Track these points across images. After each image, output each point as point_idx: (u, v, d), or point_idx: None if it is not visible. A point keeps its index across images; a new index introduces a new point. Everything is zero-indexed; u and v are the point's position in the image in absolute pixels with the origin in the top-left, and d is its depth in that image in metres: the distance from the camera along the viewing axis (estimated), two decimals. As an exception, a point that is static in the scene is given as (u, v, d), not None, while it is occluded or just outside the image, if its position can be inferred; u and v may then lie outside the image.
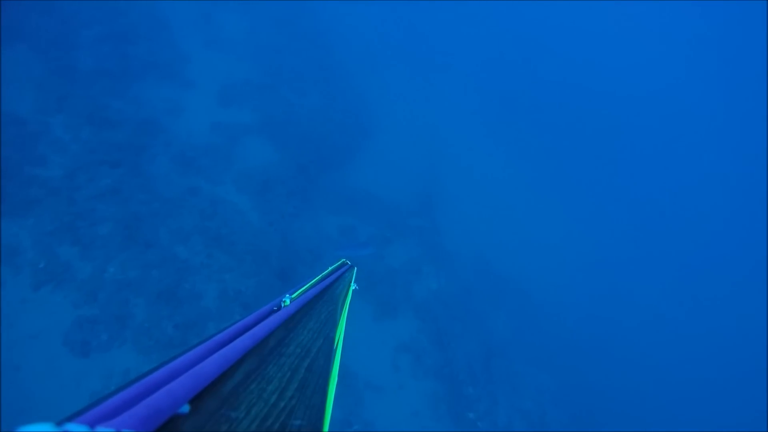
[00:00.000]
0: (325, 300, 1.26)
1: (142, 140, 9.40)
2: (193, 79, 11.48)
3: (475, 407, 9.07)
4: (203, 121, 10.88)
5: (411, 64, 20.09)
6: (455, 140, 17.83)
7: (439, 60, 22.21)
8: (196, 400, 0.57)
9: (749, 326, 23.98)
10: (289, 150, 11.37)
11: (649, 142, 33.50)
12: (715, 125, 37.94)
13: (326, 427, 0.71)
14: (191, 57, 11.89)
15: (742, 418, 16.29)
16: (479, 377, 9.70)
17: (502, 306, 12.48)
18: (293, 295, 1.11)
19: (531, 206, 18.90)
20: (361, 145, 13.41)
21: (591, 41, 35.60)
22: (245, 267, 8.84)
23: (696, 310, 22.89)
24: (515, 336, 11.85)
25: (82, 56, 9.39)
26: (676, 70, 38.71)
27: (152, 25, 11.56)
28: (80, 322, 6.32)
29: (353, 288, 1.69)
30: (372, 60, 17.78)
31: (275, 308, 1.00)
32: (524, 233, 16.88)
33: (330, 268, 1.70)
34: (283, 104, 12.45)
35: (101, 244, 7.32)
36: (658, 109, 35.81)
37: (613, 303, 18.18)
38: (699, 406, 16.00)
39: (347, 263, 1.96)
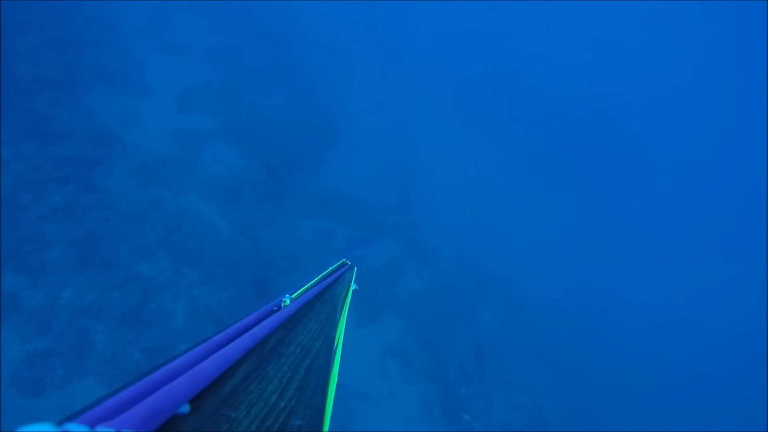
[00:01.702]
0: (324, 300, 1.26)
1: (94, 153, 8.72)
2: (149, 86, 10.82)
3: (470, 408, 8.75)
4: (162, 129, 10.26)
5: (377, 56, 19.65)
6: (428, 132, 17.48)
7: (405, 50, 21.78)
8: (196, 400, 0.56)
9: (748, 320, 23.48)
10: (256, 154, 10.84)
11: (630, 127, 33.03)
12: (692, 110, 37.85)
13: (326, 427, 0.70)
14: (145, 62, 11.20)
15: (743, 417, 15.92)
16: (471, 376, 9.39)
17: (489, 300, 12.21)
18: (293, 295, 1.09)
19: (511, 194, 18.62)
20: (332, 144, 12.93)
21: (563, 23, 35.13)
22: (216, 281, 8.31)
23: (694, 301, 22.34)
24: (505, 330, 11.59)
25: (20, 65, 8.61)
26: (656, 50, 38.68)
27: (98, 31, 10.82)
28: (30, 358, 5.68)
29: (353, 288, 1.69)
30: (336, 55, 17.27)
31: (275, 308, 0.99)
32: (506, 223, 16.65)
33: (330, 268, 1.69)
34: (247, 106, 11.89)
35: (52, 269, 6.67)
36: (638, 93, 35.49)
37: (603, 291, 17.83)
38: (696, 400, 15.71)
39: (347, 263, 1.94)
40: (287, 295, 1.05)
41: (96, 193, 8.09)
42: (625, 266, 20.84)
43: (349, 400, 8.26)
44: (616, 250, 21.23)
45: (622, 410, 12.59)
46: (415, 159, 15.33)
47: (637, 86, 36.01)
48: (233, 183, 10.05)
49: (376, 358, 9.04)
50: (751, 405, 17.13)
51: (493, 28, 30.31)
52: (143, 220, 8.41)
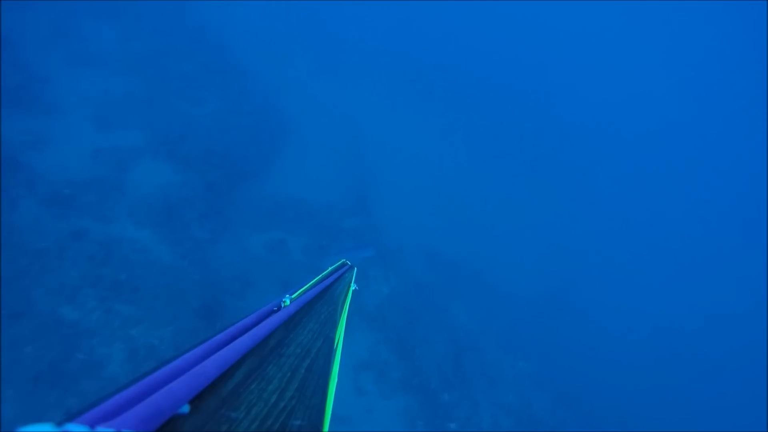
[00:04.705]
0: (324, 300, 1.25)
1: (-8, 185, 7.45)
2: (57, 104, 9.54)
3: (455, 415, 8.14)
4: (80, 151, 9.06)
5: (315, 51, 18.72)
6: (380, 127, 16.71)
7: (348, 44, 20.89)
8: (197, 400, 0.55)
9: (741, 306, 22.92)
10: (192, 167, 9.80)
11: (594, 109, 32.77)
12: (658, 89, 37.82)
13: (326, 427, 0.69)
14: (50, 78, 9.89)
15: (742, 417, 15.43)
16: (453, 380, 8.78)
17: (462, 297, 11.66)
18: (293, 296, 1.08)
19: (475, 185, 17.98)
20: (277, 149, 12.00)
21: (521, 6, 34.38)
22: (157, 315, 7.29)
23: (681, 283, 22.17)
24: (481, 326, 11.07)
25: None
26: (620, 30, 38.61)
27: (-13, 45, 9.42)
28: None
29: (353, 288, 1.70)
30: (272, 54, 16.24)
31: (275, 309, 0.98)
32: (472, 215, 16.13)
33: (330, 269, 1.68)
34: (177, 116, 10.79)
35: (-60, 330, 5.47)
36: (600, 75, 35.41)
37: (578, 276, 17.16)
38: (684, 383, 15.51)
39: (347, 264, 1.91)
40: (287, 296, 1.04)
41: (-4, 231, 6.87)
42: (600, 250, 20.31)
43: (324, 426, 7.44)
44: (588, 235, 20.49)
45: (611, 397, 12.36)
46: (369, 157, 14.59)
47: (600, 71, 35.73)
48: (168, 202, 9.01)
49: (349, 374, 8.27)
50: (750, 400, 16.81)
51: (441, 14, 29.46)
52: (61, 256, 7.26)
